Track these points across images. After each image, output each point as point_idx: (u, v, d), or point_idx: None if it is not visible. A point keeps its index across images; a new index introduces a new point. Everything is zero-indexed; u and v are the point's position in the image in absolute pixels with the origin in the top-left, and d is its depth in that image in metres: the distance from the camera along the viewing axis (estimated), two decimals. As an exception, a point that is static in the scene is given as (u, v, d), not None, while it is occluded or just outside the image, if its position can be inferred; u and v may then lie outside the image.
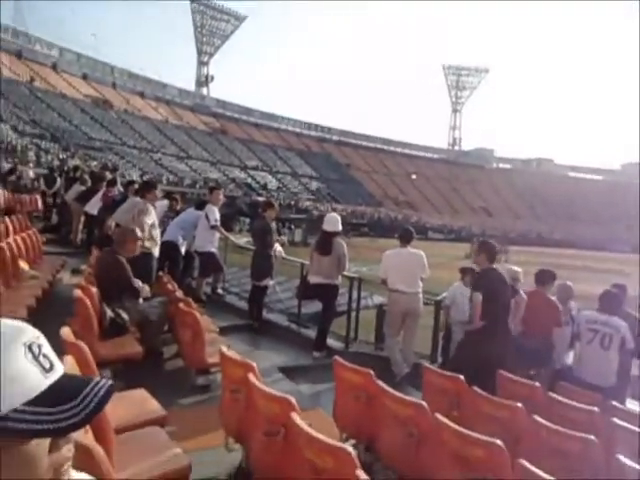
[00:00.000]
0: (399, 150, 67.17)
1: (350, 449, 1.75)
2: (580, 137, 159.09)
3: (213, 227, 6.45)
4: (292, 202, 36.30)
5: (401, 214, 45.33)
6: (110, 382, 0.69)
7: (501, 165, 72.39)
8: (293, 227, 27.34)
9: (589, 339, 4.31)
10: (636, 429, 2.95)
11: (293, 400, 2.11)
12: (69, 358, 2.10)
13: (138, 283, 4.22)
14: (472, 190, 62.20)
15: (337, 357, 3.09)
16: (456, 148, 75.43)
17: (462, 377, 3.21)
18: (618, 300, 4.46)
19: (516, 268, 5.39)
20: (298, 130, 61.38)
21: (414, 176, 58.90)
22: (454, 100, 76.66)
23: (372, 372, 2.85)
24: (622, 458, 2.30)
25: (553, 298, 4.71)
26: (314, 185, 49.55)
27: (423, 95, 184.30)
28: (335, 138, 63.14)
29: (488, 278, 4.23)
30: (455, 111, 77.15)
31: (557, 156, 77.09)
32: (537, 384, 3.55)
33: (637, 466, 2.27)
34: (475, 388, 3.07)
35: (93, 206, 8.15)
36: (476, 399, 3.01)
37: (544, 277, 4.84)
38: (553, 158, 73.77)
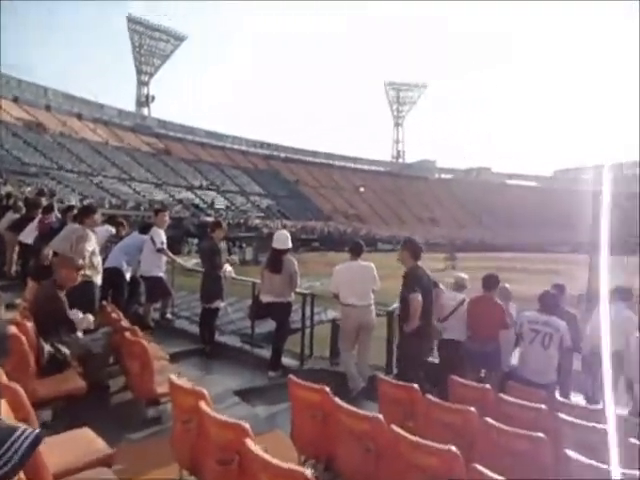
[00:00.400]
0: (345, 164, 68.36)
1: (307, 471, 1.73)
2: (515, 145, 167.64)
3: (159, 250, 6.26)
4: (242, 220, 35.94)
5: (350, 227, 45.91)
6: (37, 431, 0.64)
7: (443, 176, 75.14)
8: (244, 246, 27.05)
9: (531, 339, 4.50)
10: (582, 422, 3.10)
11: (246, 425, 2.06)
12: (2, 402, 1.95)
13: (78, 315, 4.01)
14: (418, 201, 64.08)
15: (292, 376, 3.05)
16: (400, 161, 77.69)
17: (416, 386, 3.26)
18: (556, 300, 4.70)
19: (463, 275, 5.58)
20: (244, 148, 61.21)
21: (362, 189, 60.03)
22: (395, 114, 79.20)
23: (327, 389, 2.83)
24: (570, 452, 2.40)
25: (499, 302, 4.89)
26: (263, 203, 49.38)
27: (367, 110, 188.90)
28: (282, 155, 63.42)
29: (417, 276, 4.40)
30: (397, 125, 79.67)
31: (494, 165, 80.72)
32: (487, 386, 3.65)
33: (584, 459, 2.37)
34: (428, 396, 3.11)
35: (28, 235, 7.70)
36: (429, 407, 3.05)
37: (490, 282, 5.02)
38: (490, 167, 77.37)
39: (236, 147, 60.47)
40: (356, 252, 5.06)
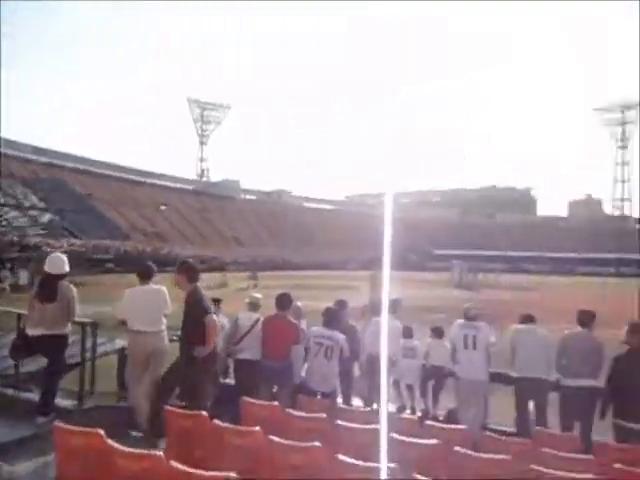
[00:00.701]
0: (147, 180, 64.57)
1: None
2: (311, 170, 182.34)
3: None
4: (15, 238, 30.66)
5: (150, 246, 43.35)
6: None
7: (247, 196, 77.09)
8: (17, 268, 23.09)
9: (316, 352, 4.87)
10: (357, 425, 3.43)
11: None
12: None
13: None
14: (222, 220, 64.23)
15: (57, 422, 2.66)
16: (204, 179, 77.07)
17: (204, 413, 3.17)
18: (337, 315, 5.18)
19: (257, 294, 5.73)
20: (22, 154, 52.66)
21: (163, 207, 57.32)
22: (200, 133, 78.61)
23: (101, 431, 2.54)
24: (340, 457, 2.62)
25: (292, 320, 5.14)
26: (45, 217, 43.03)
27: (172, 126, 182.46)
28: (71, 165, 56.53)
29: (203, 298, 4.40)
30: (202, 143, 79.09)
31: (293, 188, 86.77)
32: (275, 404, 3.78)
33: (353, 461, 2.62)
34: (216, 421, 3.06)
35: None
36: (218, 432, 3.00)
37: (283, 301, 5.21)
38: (291, 190, 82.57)
39: (10, 152, 51.64)
40: (146, 275, 4.75)
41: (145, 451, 2.36)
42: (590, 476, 2.76)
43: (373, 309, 7.43)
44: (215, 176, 78.74)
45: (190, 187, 70.98)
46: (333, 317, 5.06)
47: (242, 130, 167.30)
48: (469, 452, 2.97)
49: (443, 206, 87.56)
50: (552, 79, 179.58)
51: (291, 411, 3.60)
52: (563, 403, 4.80)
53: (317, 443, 2.74)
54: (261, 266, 36.31)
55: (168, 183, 67.32)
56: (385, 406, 4.47)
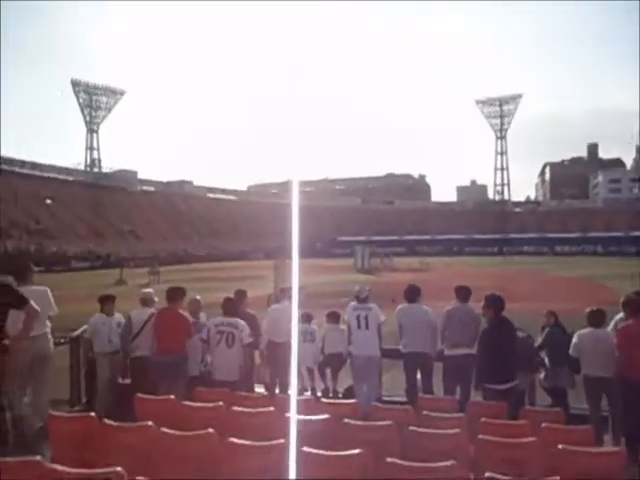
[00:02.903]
0: (27, 172, 58.41)
1: None
2: (213, 161, 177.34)
3: None
4: None
5: (35, 244, 39.58)
6: None
7: (145, 187, 72.93)
8: None
9: (218, 341, 4.87)
10: (250, 410, 3.52)
11: None
12: None
13: None
14: (118, 213, 60.30)
15: None
16: (95, 170, 71.64)
17: (92, 414, 3.08)
18: (235, 305, 5.20)
19: (149, 290, 5.59)
20: None
21: (49, 201, 52.41)
22: (88, 119, 72.76)
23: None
24: (231, 439, 2.70)
25: (184, 312, 5.07)
26: None
27: (56, 112, 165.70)
28: None
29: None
30: (91, 131, 73.30)
31: (196, 178, 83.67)
32: (171, 397, 3.76)
33: (245, 442, 2.72)
34: (106, 421, 2.98)
35: None
36: (107, 432, 2.93)
37: (173, 294, 5.12)
38: (193, 180, 79.67)
39: None
40: (21, 277, 4.41)
41: (25, 458, 2.25)
42: (456, 430, 3.12)
43: (277, 297, 7.54)
44: (110, 167, 73.25)
45: (80, 178, 65.48)
46: (232, 307, 5.09)
47: (138, 118, 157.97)
48: (356, 422, 3.22)
49: (345, 194, 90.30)
50: (437, 73, 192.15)
51: (187, 403, 3.61)
52: (445, 370, 5.32)
53: (210, 430, 2.80)
54: (163, 260, 34.77)
55: (53, 174, 61.51)
56: (295, 390, 4.63)
